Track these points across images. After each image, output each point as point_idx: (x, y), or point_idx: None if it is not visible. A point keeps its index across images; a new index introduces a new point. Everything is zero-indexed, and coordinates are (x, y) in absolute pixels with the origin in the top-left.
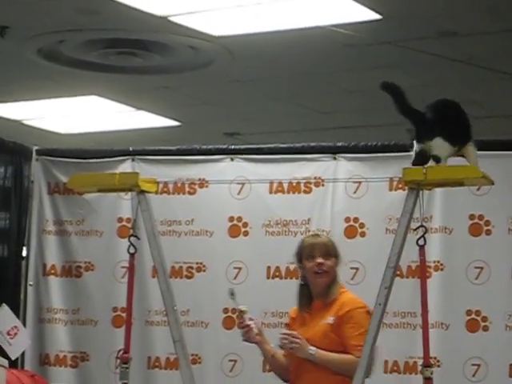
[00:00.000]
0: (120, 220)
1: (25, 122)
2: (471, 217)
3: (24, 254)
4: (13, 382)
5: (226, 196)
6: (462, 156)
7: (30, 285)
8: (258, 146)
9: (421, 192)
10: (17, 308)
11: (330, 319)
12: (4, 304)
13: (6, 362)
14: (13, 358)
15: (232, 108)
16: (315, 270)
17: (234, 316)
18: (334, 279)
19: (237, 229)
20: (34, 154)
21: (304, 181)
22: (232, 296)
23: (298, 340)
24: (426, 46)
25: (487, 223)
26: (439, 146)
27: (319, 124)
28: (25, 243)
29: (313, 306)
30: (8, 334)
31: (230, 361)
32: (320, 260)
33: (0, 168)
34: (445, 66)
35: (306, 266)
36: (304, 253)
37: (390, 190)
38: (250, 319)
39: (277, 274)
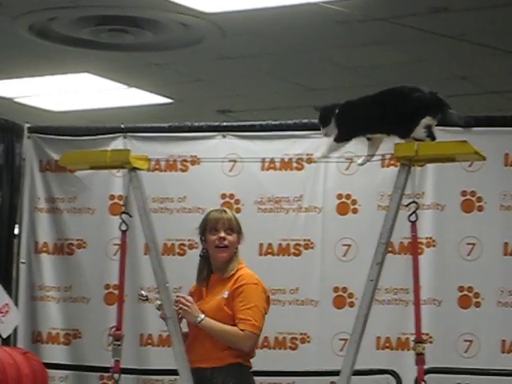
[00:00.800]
0: (112, 197)
1: (16, 99)
2: (463, 193)
3: (16, 231)
4: (5, 359)
5: (218, 173)
6: None
7: (22, 262)
8: (250, 123)
9: (412, 168)
10: (9, 286)
11: (225, 293)
12: None
13: None
14: (4, 336)
15: (223, 85)
16: (217, 243)
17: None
18: (234, 254)
19: (229, 206)
20: (25, 131)
21: (296, 157)
22: (145, 299)
23: (189, 304)
24: (416, 22)
25: (479, 199)
26: None
27: (311, 101)
28: (17, 221)
29: (211, 279)
30: (3, 310)
31: None
32: (223, 234)
33: None
34: (436, 42)
35: (209, 240)
36: (208, 226)
37: (382, 166)
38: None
39: (269, 250)
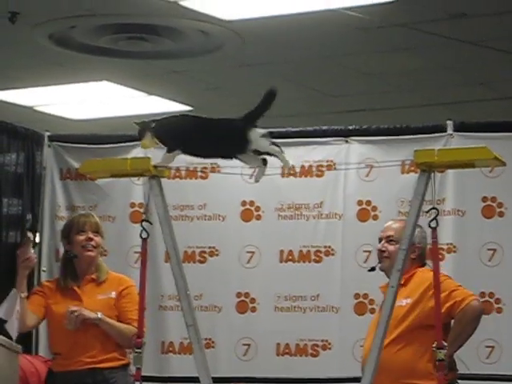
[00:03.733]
0: (132, 205)
1: (36, 108)
2: (484, 199)
3: (37, 240)
4: (26, 367)
5: (238, 180)
6: None
7: (43, 270)
8: (270, 130)
9: (432, 174)
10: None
11: (111, 294)
12: (14, 289)
13: (19, 348)
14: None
15: (243, 92)
16: (84, 243)
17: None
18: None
19: (249, 213)
20: (45, 140)
21: (316, 164)
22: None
23: (82, 310)
24: (436, 28)
25: (500, 205)
26: None
27: (330, 107)
28: (37, 229)
29: (83, 280)
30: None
31: (244, 345)
32: (91, 235)
33: (12, 154)
34: (455, 48)
35: (76, 240)
36: (74, 228)
37: (402, 172)
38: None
39: (290, 257)
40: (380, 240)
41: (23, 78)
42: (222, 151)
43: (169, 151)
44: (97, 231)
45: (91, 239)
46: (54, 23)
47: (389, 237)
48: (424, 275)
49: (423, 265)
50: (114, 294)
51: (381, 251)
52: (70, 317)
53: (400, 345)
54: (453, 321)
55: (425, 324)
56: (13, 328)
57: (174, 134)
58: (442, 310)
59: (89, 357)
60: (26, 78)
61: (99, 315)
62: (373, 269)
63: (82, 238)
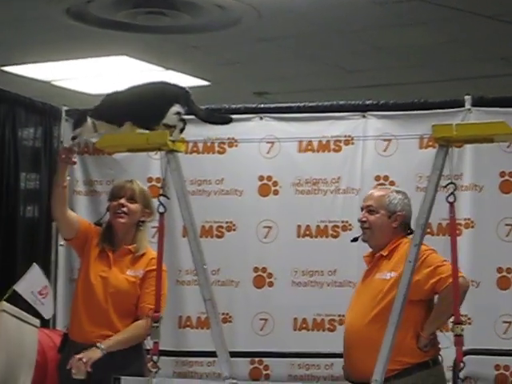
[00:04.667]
0: (150, 180)
1: (54, 82)
2: (501, 174)
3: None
4: (45, 341)
5: (255, 155)
6: None
7: (61, 245)
8: (287, 105)
9: (450, 149)
10: (48, 268)
11: (139, 272)
12: (35, 264)
13: (37, 322)
14: (46, 318)
15: (260, 67)
16: (115, 209)
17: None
18: (136, 226)
19: (267, 188)
20: (63, 114)
21: (334, 139)
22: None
23: (89, 354)
24: (454, 2)
25: None
26: None
27: (347, 82)
28: None
29: (120, 249)
30: (40, 293)
31: (261, 319)
32: (123, 201)
33: (30, 129)
34: (474, 22)
35: (110, 206)
36: (111, 193)
37: (420, 147)
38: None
39: (307, 232)
40: (361, 209)
41: (41, 53)
42: (148, 120)
43: (120, 126)
44: (132, 198)
45: (123, 205)
46: None
47: (368, 206)
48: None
49: (409, 234)
50: (141, 273)
51: (362, 221)
52: (78, 364)
53: (383, 320)
54: (436, 297)
55: (409, 299)
56: (48, 303)
57: (116, 108)
58: (426, 287)
59: (104, 330)
60: (44, 52)
61: (102, 346)
62: (355, 239)
63: (114, 203)
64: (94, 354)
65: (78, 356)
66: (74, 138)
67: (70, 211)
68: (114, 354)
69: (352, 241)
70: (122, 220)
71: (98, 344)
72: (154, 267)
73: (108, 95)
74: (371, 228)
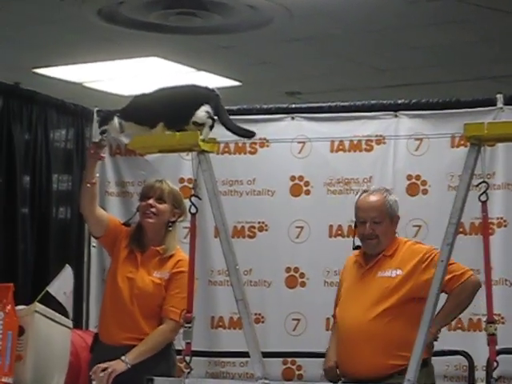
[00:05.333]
0: (182, 180)
1: (85, 84)
2: None
3: None
4: (78, 342)
5: (287, 155)
6: None
7: (94, 246)
8: (319, 105)
9: (482, 148)
10: (80, 269)
11: (166, 274)
12: (67, 265)
13: (70, 323)
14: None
15: (292, 67)
16: (144, 210)
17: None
18: (165, 227)
19: (298, 188)
20: (95, 115)
21: (365, 139)
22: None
23: (113, 365)
24: (485, 1)
25: None
26: None
27: (379, 82)
28: None
29: (148, 250)
30: (70, 294)
31: (294, 320)
32: (152, 201)
33: (62, 130)
34: (505, 20)
35: (139, 206)
36: (141, 194)
37: (452, 146)
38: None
39: (339, 232)
40: (359, 219)
41: (72, 55)
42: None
43: (152, 127)
44: (161, 198)
45: (151, 205)
46: None
47: (373, 218)
48: (413, 247)
49: None
50: (167, 275)
51: (370, 234)
52: (100, 376)
53: (390, 316)
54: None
55: (416, 297)
56: (70, 305)
57: (148, 110)
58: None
59: (131, 332)
60: (75, 54)
61: (127, 360)
62: (358, 247)
63: (143, 203)
64: (119, 366)
65: (102, 366)
66: (103, 133)
67: (100, 209)
68: None
69: (354, 249)
70: (151, 220)
71: (123, 357)
72: (181, 269)
73: (136, 97)
74: (379, 238)
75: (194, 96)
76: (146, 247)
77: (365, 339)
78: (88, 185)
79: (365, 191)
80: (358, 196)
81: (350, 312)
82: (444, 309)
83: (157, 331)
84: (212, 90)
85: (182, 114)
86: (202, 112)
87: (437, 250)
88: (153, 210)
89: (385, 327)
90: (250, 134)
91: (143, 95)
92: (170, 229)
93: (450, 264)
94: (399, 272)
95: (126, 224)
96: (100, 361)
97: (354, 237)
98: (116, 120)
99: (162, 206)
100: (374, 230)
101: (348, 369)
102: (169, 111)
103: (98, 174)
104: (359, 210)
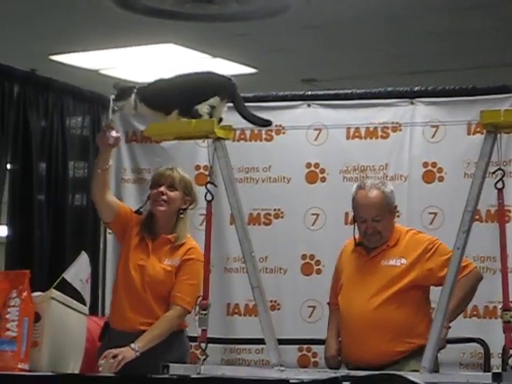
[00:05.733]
0: (197, 167)
1: (101, 71)
2: None
3: None
4: (93, 328)
5: (302, 142)
6: None
7: (109, 233)
8: (335, 92)
9: (499, 135)
10: (96, 256)
11: (177, 261)
12: (83, 252)
13: (86, 310)
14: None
15: (308, 54)
16: (155, 197)
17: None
18: (176, 215)
19: (314, 175)
20: (111, 102)
21: (381, 126)
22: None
23: (124, 352)
24: None
25: None
26: None
27: (395, 69)
28: None
29: (160, 238)
30: (88, 281)
31: (309, 307)
32: (163, 189)
33: (78, 118)
34: None
35: (150, 194)
36: (151, 182)
37: (468, 134)
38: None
39: None
40: (359, 218)
41: (88, 42)
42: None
43: (167, 114)
44: (172, 185)
45: (162, 193)
46: None
47: (374, 217)
48: (416, 237)
49: None
50: (178, 262)
51: (372, 232)
52: (111, 362)
53: (395, 304)
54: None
55: (420, 285)
56: (87, 292)
57: (164, 96)
58: (441, 274)
59: (146, 317)
60: (91, 41)
61: (136, 348)
62: (360, 243)
63: (154, 191)
64: (128, 353)
65: (113, 352)
66: (120, 109)
67: (111, 195)
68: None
69: (356, 245)
70: (162, 208)
71: (133, 345)
72: (191, 256)
73: (155, 82)
74: (381, 234)
75: (207, 85)
76: (157, 235)
77: (371, 327)
78: (99, 170)
79: (360, 187)
80: (353, 192)
81: (355, 301)
82: (453, 300)
83: (164, 317)
84: (229, 79)
85: (195, 103)
86: (208, 104)
87: (439, 241)
88: (164, 197)
89: (391, 314)
90: (266, 123)
91: (161, 80)
92: (182, 216)
93: None
94: (403, 261)
95: (138, 212)
96: (112, 347)
97: (353, 232)
98: (133, 97)
99: (173, 194)
100: (376, 227)
101: (354, 357)
102: (183, 98)
103: (111, 161)
104: (358, 208)
